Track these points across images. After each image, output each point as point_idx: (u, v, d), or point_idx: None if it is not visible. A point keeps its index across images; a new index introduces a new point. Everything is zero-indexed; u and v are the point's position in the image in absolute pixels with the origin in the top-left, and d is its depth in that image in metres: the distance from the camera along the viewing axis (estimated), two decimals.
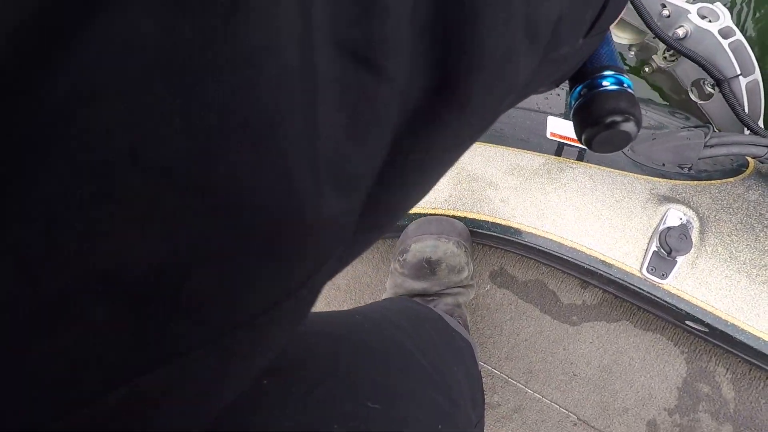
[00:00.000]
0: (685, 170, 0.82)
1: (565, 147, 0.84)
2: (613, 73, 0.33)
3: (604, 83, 0.33)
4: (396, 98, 0.17)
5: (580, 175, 0.77)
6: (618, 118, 0.32)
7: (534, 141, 0.81)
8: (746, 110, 1.08)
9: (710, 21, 1.06)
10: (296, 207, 0.15)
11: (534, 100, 0.89)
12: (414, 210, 0.71)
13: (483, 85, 0.20)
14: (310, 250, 0.16)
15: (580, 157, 0.83)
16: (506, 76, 0.22)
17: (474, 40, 0.19)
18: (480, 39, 0.19)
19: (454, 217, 0.69)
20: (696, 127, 0.86)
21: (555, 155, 0.81)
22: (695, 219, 0.73)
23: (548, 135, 0.84)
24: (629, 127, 0.32)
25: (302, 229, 0.15)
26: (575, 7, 0.25)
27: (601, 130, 0.32)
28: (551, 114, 0.88)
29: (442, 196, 0.71)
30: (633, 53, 1.26)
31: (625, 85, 0.33)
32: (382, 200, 0.21)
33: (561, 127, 0.88)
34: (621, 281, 0.69)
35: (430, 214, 0.69)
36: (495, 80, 0.21)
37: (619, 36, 1.24)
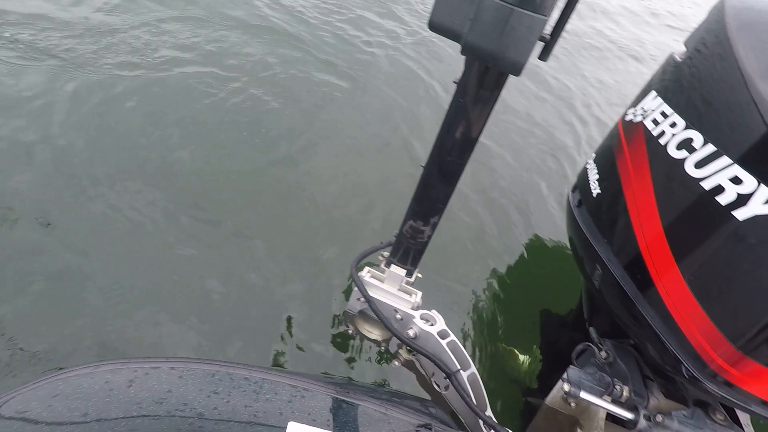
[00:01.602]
0: None
1: None
2: None
3: None
4: None
5: None
6: None
7: None
8: (473, 400, 1.25)
9: (431, 324, 1.32)
10: None
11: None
12: None
13: None
14: None
15: None
16: None
17: None
18: None
19: None
20: (423, 426, 0.93)
21: None
22: None
23: None
24: None
25: None
26: None
27: None
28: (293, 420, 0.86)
29: None
30: (383, 347, 1.43)
31: None
32: None
33: None
34: None
35: None
36: None
37: (372, 333, 1.43)
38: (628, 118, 1.39)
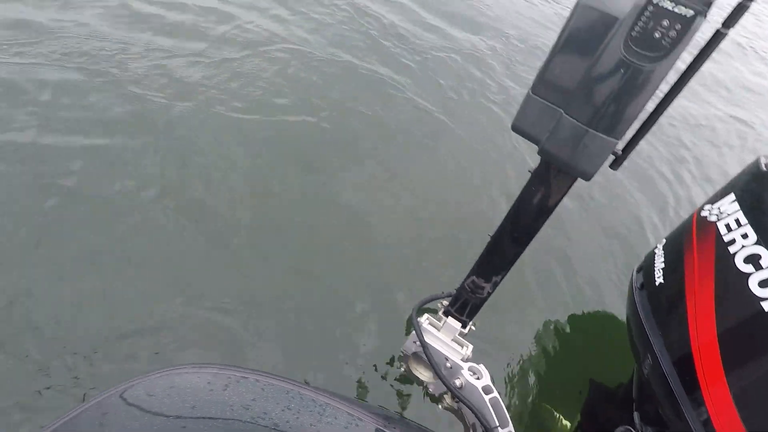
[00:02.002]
0: None
1: None
2: None
3: None
4: None
5: None
6: None
7: None
8: None
9: (477, 378, 1.42)
10: None
11: None
12: None
13: None
14: None
15: None
16: None
17: None
18: None
19: None
20: None
21: None
22: None
23: None
24: None
25: None
26: None
27: None
28: None
29: None
30: (430, 390, 1.56)
31: None
32: None
33: None
34: None
35: None
36: None
37: (421, 374, 1.56)
38: (703, 213, 1.41)
